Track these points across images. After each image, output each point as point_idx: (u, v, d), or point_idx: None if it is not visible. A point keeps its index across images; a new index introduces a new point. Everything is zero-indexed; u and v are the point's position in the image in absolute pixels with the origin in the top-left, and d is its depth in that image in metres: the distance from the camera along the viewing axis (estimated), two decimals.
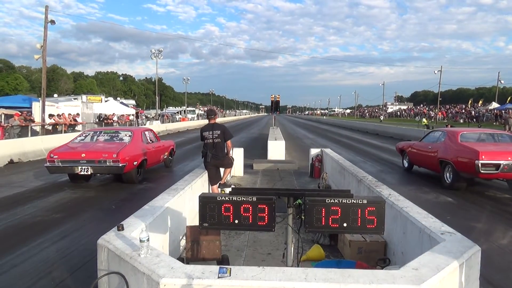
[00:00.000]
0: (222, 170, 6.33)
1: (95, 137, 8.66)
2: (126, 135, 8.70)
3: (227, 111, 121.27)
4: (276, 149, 11.98)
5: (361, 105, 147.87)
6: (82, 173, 7.42)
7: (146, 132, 9.34)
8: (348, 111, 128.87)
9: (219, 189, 6.10)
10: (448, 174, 8.16)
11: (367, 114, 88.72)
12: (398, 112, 74.50)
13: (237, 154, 9.45)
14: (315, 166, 9.31)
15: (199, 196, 2.58)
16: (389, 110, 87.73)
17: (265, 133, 25.11)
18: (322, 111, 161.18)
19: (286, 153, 13.01)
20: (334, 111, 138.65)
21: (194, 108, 71.49)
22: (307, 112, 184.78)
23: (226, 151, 6.09)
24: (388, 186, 4.84)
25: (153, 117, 45.91)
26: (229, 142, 6.07)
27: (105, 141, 8.48)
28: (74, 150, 7.74)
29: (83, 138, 8.66)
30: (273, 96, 20.26)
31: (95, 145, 8.18)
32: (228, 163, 6.21)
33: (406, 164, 10.54)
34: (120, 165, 7.45)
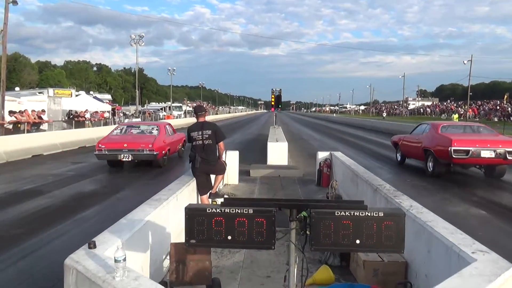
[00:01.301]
0: (213, 177, 6.39)
1: (128, 130, 12.91)
2: (154, 129, 12.87)
3: (220, 107, 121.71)
4: (277, 153, 12.12)
5: (378, 101, 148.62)
6: (124, 159, 11.34)
7: (167, 126, 13.64)
8: (362, 107, 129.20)
9: (210, 200, 6.19)
10: (430, 163, 11.00)
11: (384, 111, 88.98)
12: (421, 109, 74.85)
13: (231, 158, 9.53)
14: (323, 172, 9.40)
15: (186, 208, 2.56)
16: (411, 106, 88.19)
17: (264, 133, 25.30)
18: (331, 107, 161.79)
19: (289, 157, 13.06)
20: (346, 107, 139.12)
21: (180, 104, 72.02)
22: (314, 109, 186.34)
23: (218, 154, 6.15)
24: (411, 196, 4.86)
25: (132, 114, 45.90)
26: (221, 144, 6.12)
27: (137, 133, 12.57)
28: (117, 141, 11.62)
29: (119, 131, 12.92)
30: (274, 90, 20.49)
31: (131, 137, 12.17)
32: (220, 169, 6.27)
33: (399, 158, 13.44)
34: (155, 153, 11.42)
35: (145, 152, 11.61)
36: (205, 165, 5.98)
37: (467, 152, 10.14)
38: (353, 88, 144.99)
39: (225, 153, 8.54)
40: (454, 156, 10.16)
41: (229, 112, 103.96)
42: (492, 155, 10.22)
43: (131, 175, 11.50)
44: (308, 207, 2.62)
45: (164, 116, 47.06)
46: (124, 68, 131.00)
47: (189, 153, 6.05)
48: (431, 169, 10.99)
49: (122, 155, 11.50)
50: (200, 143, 5.95)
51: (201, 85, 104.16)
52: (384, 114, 76.21)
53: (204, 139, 5.96)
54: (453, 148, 10.16)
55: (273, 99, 20.46)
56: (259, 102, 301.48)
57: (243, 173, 10.53)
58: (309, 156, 14.20)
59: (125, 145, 11.65)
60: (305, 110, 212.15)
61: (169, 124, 14.27)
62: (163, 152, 12.10)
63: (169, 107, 60.31)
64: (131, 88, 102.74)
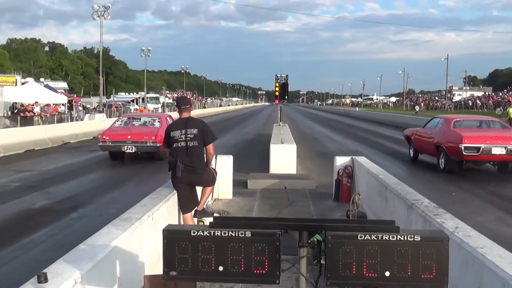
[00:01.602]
0: (199, 190, 6.52)
1: (130, 122, 16.65)
2: (155, 121, 16.38)
3: (209, 99, 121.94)
4: (283, 158, 12.33)
5: (413, 91, 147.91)
6: (127, 151, 14.67)
7: (168, 118, 16.82)
8: (393, 99, 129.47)
9: (195, 220, 6.33)
10: (442, 160, 13.62)
11: (422, 103, 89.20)
12: (470, 101, 75.09)
13: (224, 165, 9.63)
14: (342, 183, 9.55)
15: (164, 230, 2.56)
16: (456, 98, 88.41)
17: (266, 132, 25.49)
18: (353, 99, 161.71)
19: (298, 164, 13.25)
20: (372, 99, 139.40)
21: (157, 95, 71.99)
22: (330, 101, 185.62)
23: (206, 160, 6.28)
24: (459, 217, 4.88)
25: (94, 108, 45.80)
26: (211, 146, 6.25)
27: (140, 125, 16.02)
28: (121, 132, 14.87)
29: (121, 123, 16.73)
30: (278, 76, 20.70)
31: (134, 128, 15.53)
32: (209, 179, 6.41)
33: (411, 153, 16.18)
34: (158, 145, 14.13)
35: (148, 144, 15.16)
36: (189, 174, 6.06)
37: (478, 149, 12.61)
38: (381, 74, 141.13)
39: (216, 158, 8.66)
40: (464, 153, 12.64)
41: (221, 105, 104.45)
42: (503, 152, 12.63)
43: (93, 185, 11.56)
44: (323, 228, 2.62)
45: (136, 110, 46.92)
46: (85, 48, 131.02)
47: (169, 159, 6.17)
48: (443, 165, 13.68)
49: (125, 146, 15.15)
50: (183, 146, 6.05)
51: (184, 70, 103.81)
52: (417, 108, 76.00)
53: (188, 140, 6.05)
54: (463, 145, 12.64)
55: (277, 89, 20.71)
56: (259, 92, 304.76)
57: (239, 185, 10.62)
58: (324, 162, 14.47)
59: (129, 136, 15.27)
60: (319, 103, 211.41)
61: (170, 116, 17.80)
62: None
63: (143, 99, 60.49)
64: (93, 74, 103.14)
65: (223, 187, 9.29)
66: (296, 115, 67.47)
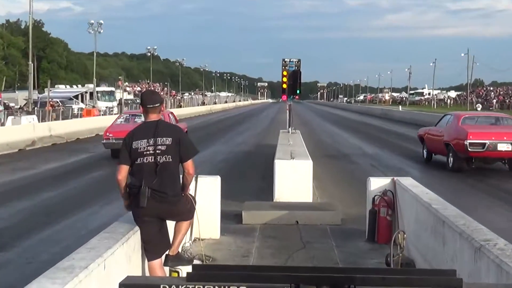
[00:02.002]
0: (172, 225, 6.64)
1: (132, 118, 21.98)
2: None
3: (186, 94, 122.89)
4: (294, 179, 12.42)
5: (481, 82, 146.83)
6: None
7: (170, 115, 22.36)
8: (453, 94, 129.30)
9: (167, 268, 6.42)
10: (450, 158, 18.27)
11: (494, 99, 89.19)
12: None
13: (208, 191, 9.67)
14: (379, 216, 9.65)
15: (121, 285, 2.55)
16: None
17: (269, 143, 25.84)
18: (395, 94, 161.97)
19: (316, 188, 13.52)
20: (422, 94, 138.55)
21: (112, 88, 72.17)
22: (362, 97, 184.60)
23: (182, 183, 6.43)
24: None
25: (21, 107, 45.38)
26: (189, 164, 6.38)
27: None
28: (124, 129, 15.19)
29: (123, 120, 23.03)
30: (286, 62, 20.83)
31: (136, 125, 19.45)
32: (186, 209, 6.54)
33: (425, 154, 21.39)
34: None
35: None
36: (158, 204, 6.14)
37: (483, 145, 17.11)
38: (435, 58, 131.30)
39: (196, 180, 8.74)
40: (470, 149, 17.16)
41: (204, 103, 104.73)
42: (509, 148, 17.11)
43: (21, 216, 11.62)
44: (353, 282, 2.61)
45: (82, 111, 46.97)
46: (7, 22, 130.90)
47: (128, 181, 6.27)
48: (451, 164, 18.37)
49: None
50: (151, 162, 6.16)
51: (151, 52, 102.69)
52: (479, 107, 75.35)
53: (158, 154, 6.15)
54: (468, 141, 17.06)
55: (285, 79, 20.85)
56: (259, 84, 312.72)
57: (230, 218, 10.73)
58: (353, 185, 14.53)
59: None
60: (345, 99, 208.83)
61: (172, 113, 23.78)
62: None
63: (91, 94, 60.53)
64: (19, 58, 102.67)
65: (206, 222, 9.21)
66: (312, 117, 67.85)
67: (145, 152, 6.11)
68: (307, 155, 14.40)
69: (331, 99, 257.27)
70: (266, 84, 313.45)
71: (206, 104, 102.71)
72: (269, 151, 19.31)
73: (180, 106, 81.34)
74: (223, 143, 29.58)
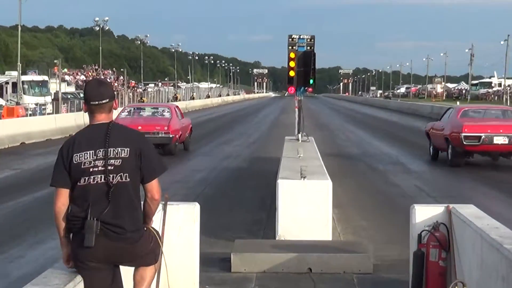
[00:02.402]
0: (129, 272, 6.16)
1: (137, 112, 24.69)
2: (165, 111, 24.02)
3: (151, 85, 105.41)
4: (306, 207, 11.05)
5: None
6: None
7: (176, 109, 24.71)
8: None
9: None
10: (449, 152, 20.00)
11: None
12: None
13: (182, 224, 8.43)
14: (428, 260, 8.30)
15: None
16: None
17: (268, 155, 23.94)
18: (450, 85, 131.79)
19: (337, 220, 12.81)
20: (490, 85, 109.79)
21: (45, 77, 62.37)
22: (403, 89, 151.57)
23: (144, 213, 5.82)
24: None
25: None
26: (153, 185, 5.70)
27: (149, 116, 24.00)
28: (130, 123, 17.92)
29: (127, 113, 23.84)
30: (294, 39, 17.98)
31: (144, 119, 23.48)
32: (149, 250, 5.88)
33: (431, 151, 22.94)
34: (170, 136, 21.90)
35: (160, 135, 21.85)
36: (110, 243, 5.51)
37: (479, 138, 18.75)
38: (507, 34, 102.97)
39: (164, 209, 7.65)
40: (465, 143, 18.83)
41: (176, 98, 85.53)
42: (506, 141, 18.62)
43: None
44: None
45: (1, 110, 38.59)
46: None
47: (68, 210, 5.63)
48: (450, 159, 20.18)
49: None
50: (100, 183, 5.55)
51: (100, 25, 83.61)
52: None
53: (110, 171, 5.52)
54: (463, 134, 18.70)
55: (292, 64, 18.06)
56: (255, 71, 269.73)
57: (214, 264, 9.71)
58: (391, 216, 13.68)
59: (139, 127, 19.38)
60: (379, 92, 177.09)
61: (177, 107, 25.99)
62: (177, 136, 23.03)
63: (15, 84, 50.91)
64: None
65: (179, 270, 8.07)
66: (332, 118, 61.36)
67: (91, 169, 5.53)
68: (324, 173, 12.21)
69: (359, 93, 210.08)
70: (266, 71, 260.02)
71: (180, 100, 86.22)
72: (270, 168, 18.27)
73: (141, 99, 69.83)
74: (204, 155, 26.14)
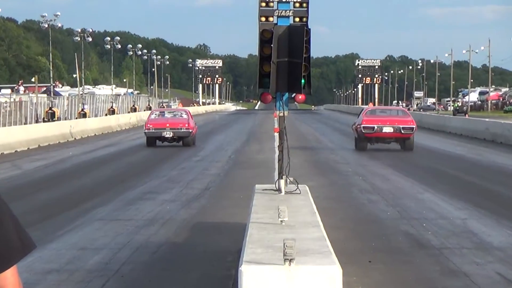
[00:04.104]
0: None
1: (163, 114, 48.02)
2: (183, 113, 47.01)
3: (5, 92, 70.69)
4: None
5: None
6: (166, 135, 42.02)
7: (189, 113, 47.97)
8: None
9: None
10: (356, 139, 39.93)
11: None
12: None
13: None
14: None
15: None
16: None
17: (222, 219, 16.91)
18: None
19: None
20: None
21: None
22: (474, 95, 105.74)
23: None
24: None
25: None
26: (8, 277, 3.37)
27: (171, 117, 45.94)
28: (161, 121, 43.57)
29: (156, 115, 46.90)
30: (270, 4, 11.78)
31: (169, 118, 45.39)
32: None
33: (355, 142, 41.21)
34: (190, 131, 43.18)
35: (182, 130, 39.93)
36: None
37: (373, 128, 35.62)
38: None
39: None
40: (364, 131, 35.65)
41: (49, 116, 58.25)
42: (391, 130, 35.71)
43: None
44: None
45: None
46: None
47: None
48: (355, 145, 37.41)
49: (165, 132, 39.82)
50: None
51: None
52: None
53: None
54: (363, 125, 35.67)
55: (267, 52, 11.93)
56: (199, 66, 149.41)
57: None
58: None
59: (168, 124, 40.38)
60: (430, 101, 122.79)
61: (189, 112, 44.98)
62: (193, 131, 41.07)
63: None
64: None
65: None
66: (343, 151, 38.66)
67: None
68: (328, 253, 8.10)
69: (395, 103, 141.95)
70: (220, 63, 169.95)
71: (57, 119, 61.93)
72: (226, 244, 13.56)
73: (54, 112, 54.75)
74: (105, 220, 17.16)
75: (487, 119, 60.18)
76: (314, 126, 70.49)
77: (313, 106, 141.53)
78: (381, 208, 19.16)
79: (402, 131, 35.18)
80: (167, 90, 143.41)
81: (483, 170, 29.73)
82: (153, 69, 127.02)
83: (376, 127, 34.61)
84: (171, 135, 39.20)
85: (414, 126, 36.29)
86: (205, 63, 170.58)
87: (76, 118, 66.25)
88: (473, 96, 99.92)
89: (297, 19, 11.79)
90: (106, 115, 79.39)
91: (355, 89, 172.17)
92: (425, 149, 40.22)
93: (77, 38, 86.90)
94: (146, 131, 39.45)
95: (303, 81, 11.78)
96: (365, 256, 13.06)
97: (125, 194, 21.93)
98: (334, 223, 13.11)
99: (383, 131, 34.68)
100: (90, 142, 47.88)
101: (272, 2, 11.71)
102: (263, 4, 11.77)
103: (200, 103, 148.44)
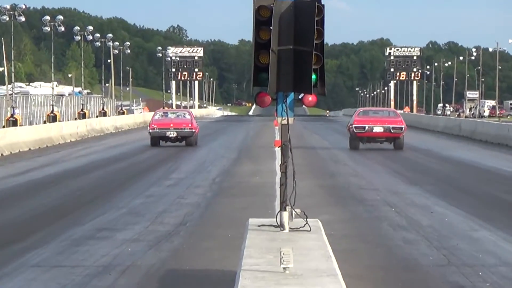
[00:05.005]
0: None
1: (167, 115, 50.92)
2: (186, 114, 51.51)
3: None
4: None
5: None
6: (170, 135, 46.21)
7: (192, 113, 53.23)
8: None
9: None
10: (349, 138, 45.30)
11: None
12: None
13: None
14: None
15: None
16: None
17: (204, 266, 12.88)
18: None
19: None
20: None
21: None
22: None
23: None
24: None
25: None
26: None
27: (175, 117, 49.38)
28: (165, 121, 47.38)
29: (160, 116, 49.93)
30: None
31: (173, 119, 49.11)
32: None
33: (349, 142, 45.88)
34: (193, 130, 47.22)
35: (186, 130, 43.56)
36: None
37: (364, 128, 40.48)
38: None
39: None
40: (356, 131, 40.49)
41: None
42: (381, 130, 40.46)
43: None
44: None
45: None
46: None
47: None
48: (349, 143, 42.21)
49: (169, 132, 43.58)
50: None
51: None
52: None
53: None
54: (354, 125, 40.67)
55: (265, 36, 11.08)
56: (172, 56, 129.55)
57: None
58: None
59: (171, 124, 43.85)
60: (489, 104, 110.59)
61: (191, 113, 49.45)
62: (196, 131, 44.55)
63: None
64: None
65: None
66: (372, 174, 31.08)
67: None
68: None
69: (440, 106, 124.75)
70: (201, 52, 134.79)
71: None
72: None
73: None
74: (29, 282, 11.33)
75: None
76: (329, 138, 58.48)
77: (327, 111, 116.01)
78: (422, 251, 14.99)
79: (392, 131, 39.69)
80: (128, 89, 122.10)
81: None
82: (108, 60, 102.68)
83: (367, 127, 39.56)
84: (174, 135, 42.97)
85: (403, 126, 40.81)
86: (180, 51, 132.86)
87: (4, 127, 54.53)
88: None
89: None
90: (44, 122, 66.88)
91: (386, 88, 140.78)
92: (481, 170, 33.48)
93: (4, 17, 66.04)
94: (150, 130, 43.40)
95: (313, 76, 8.94)
96: None
97: (71, 231, 17.08)
98: (356, 272, 11.35)
99: (374, 130, 39.50)
100: (22, 160, 39.05)
101: None
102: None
103: (174, 106, 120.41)
